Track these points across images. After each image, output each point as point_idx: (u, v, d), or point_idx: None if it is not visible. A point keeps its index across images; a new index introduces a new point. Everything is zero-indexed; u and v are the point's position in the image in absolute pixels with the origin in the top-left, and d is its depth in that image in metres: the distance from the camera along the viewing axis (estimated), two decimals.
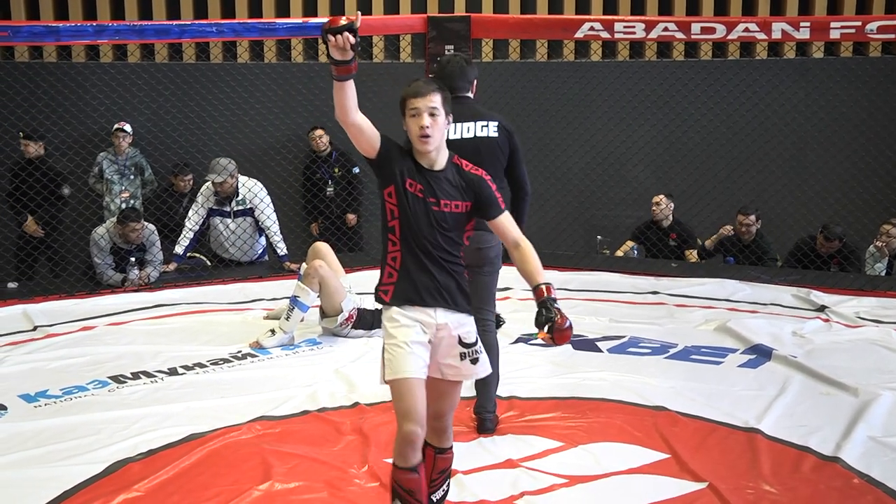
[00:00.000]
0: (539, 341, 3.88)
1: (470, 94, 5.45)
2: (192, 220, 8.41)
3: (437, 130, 3.66)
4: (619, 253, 9.50)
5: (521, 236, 3.80)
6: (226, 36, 8.69)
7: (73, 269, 8.78)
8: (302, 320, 6.72)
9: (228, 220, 8.47)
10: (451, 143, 5.59)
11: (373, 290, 3.79)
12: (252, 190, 8.43)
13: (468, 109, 5.35)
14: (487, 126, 5.31)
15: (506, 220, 3.79)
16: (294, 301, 6.65)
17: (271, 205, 8.50)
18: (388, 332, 3.67)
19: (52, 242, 9.09)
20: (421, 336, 3.62)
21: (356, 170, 10.02)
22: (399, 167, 3.65)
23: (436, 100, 3.64)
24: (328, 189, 9.94)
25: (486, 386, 5.70)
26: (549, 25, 9.08)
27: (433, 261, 3.66)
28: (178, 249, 8.38)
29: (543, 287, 3.70)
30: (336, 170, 10.00)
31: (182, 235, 8.42)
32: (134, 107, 10.00)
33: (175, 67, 10.29)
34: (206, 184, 8.50)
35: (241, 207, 8.42)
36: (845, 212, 9.38)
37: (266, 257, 8.84)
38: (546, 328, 3.61)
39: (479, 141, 5.31)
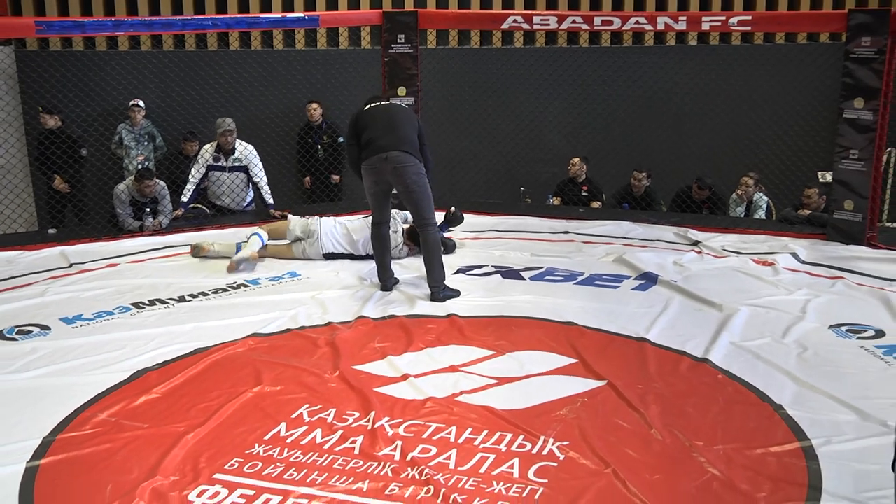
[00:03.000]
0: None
1: None
2: (195, 176, 8.29)
3: None
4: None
5: None
6: (220, 28, 8.53)
7: (100, 219, 8.68)
8: (261, 248, 6.98)
9: (224, 175, 8.37)
10: (366, 112, 5.83)
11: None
12: (246, 150, 8.34)
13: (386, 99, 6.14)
14: (401, 101, 5.87)
15: None
16: (256, 234, 7.01)
17: (261, 163, 8.42)
18: None
19: (77, 194, 9.01)
20: None
21: (341, 139, 9.90)
22: None
23: None
24: (319, 152, 9.85)
25: (430, 267, 5.87)
26: (480, 18, 9.08)
27: None
28: (184, 199, 8.30)
29: None
30: (325, 137, 9.88)
31: (186, 188, 8.32)
32: (146, 86, 9.85)
33: (179, 54, 10.11)
34: (206, 145, 8.41)
35: (235, 164, 8.32)
36: (714, 167, 9.48)
37: (253, 206, 8.77)
38: None
39: (393, 106, 5.88)
